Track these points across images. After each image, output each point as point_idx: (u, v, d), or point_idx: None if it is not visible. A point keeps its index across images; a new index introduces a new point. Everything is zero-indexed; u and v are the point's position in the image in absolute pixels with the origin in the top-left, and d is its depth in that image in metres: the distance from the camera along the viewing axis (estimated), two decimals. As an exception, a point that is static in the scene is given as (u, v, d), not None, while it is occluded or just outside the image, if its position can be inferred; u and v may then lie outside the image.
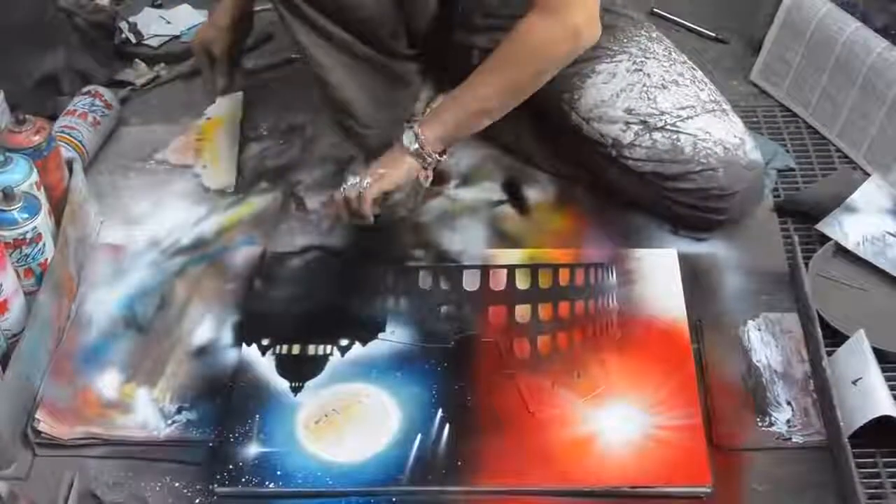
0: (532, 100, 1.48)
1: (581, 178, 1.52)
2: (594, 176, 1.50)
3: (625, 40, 1.44)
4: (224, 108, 1.67)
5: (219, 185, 1.56)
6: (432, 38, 1.44)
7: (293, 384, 1.27)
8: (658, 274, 1.38)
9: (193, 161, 1.60)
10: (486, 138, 1.60)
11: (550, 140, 1.54)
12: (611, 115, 1.42)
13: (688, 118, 1.39)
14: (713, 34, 1.80)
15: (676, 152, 1.38)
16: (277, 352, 1.31)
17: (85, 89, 1.65)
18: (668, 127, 1.39)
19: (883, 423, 1.17)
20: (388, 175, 1.35)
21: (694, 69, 1.46)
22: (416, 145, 1.33)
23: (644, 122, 1.40)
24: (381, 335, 1.33)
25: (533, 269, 1.39)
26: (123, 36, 1.81)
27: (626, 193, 1.46)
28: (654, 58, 1.44)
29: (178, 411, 1.26)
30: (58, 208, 1.39)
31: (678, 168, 1.38)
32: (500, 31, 1.36)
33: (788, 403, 1.25)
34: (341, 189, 1.38)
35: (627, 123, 1.41)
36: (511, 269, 1.39)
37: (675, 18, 1.81)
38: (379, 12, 1.37)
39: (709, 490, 1.17)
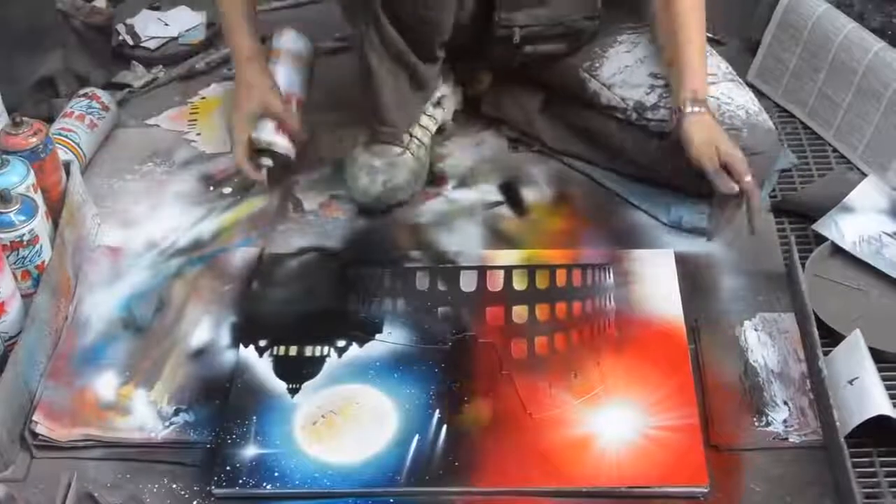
0: (546, 73, 1.50)
1: (591, 154, 1.54)
2: (606, 149, 1.51)
3: (646, 17, 1.49)
4: (218, 91, 1.72)
5: (215, 149, 1.61)
6: (468, 26, 1.45)
7: (290, 385, 1.28)
8: (655, 274, 1.38)
9: (187, 129, 1.65)
10: (496, 120, 1.60)
11: (560, 118, 1.56)
12: (634, 80, 1.46)
13: (711, 84, 1.42)
14: (710, 35, 1.79)
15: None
16: (275, 353, 1.31)
17: (82, 91, 1.65)
18: None
19: (879, 422, 1.18)
20: None
21: (710, 47, 1.49)
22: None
23: (668, 85, 1.43)
24: (378, 336, 1.33)
25: (530, 269, 1.40)
26: (121, 38, 1.81)
27: (641, 161, 1.47)
28: None
29: (176, 413, 1.26)
30: (55, 210, 1.39)
31: None
32: (538, 7, 1.42)
33: (785, 403, 1.25)
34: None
35: (652, 87, 1.45)
36: (508, 270, 1.39)
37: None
38: (447, 17, 1.40)
39: (706, 490, 1.17)
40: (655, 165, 1.46)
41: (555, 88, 1.55)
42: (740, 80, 1.48)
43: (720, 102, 1.41)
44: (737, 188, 1.30)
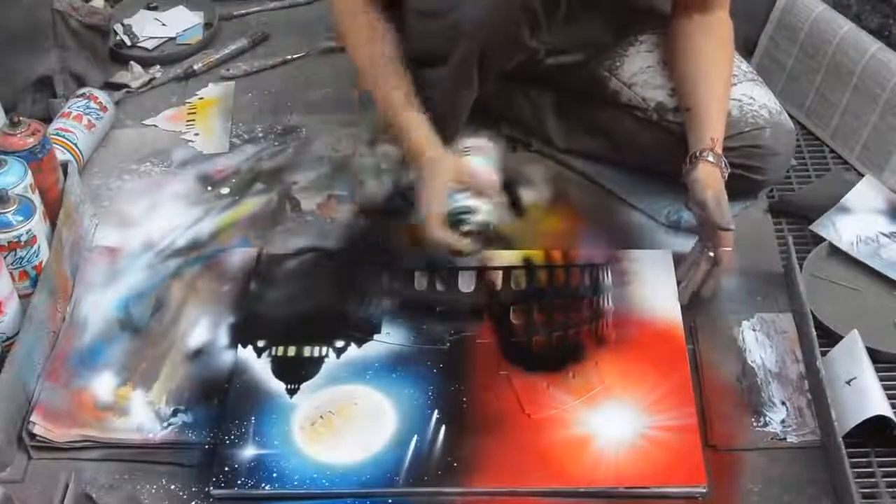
0: (563, 72, 1.49)
1: (603, 150, 1.54)
2: (619, 146, 1.51)
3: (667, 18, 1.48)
4: (216, 92, 1.72)
5: (212, 149, 1.61)
6: None
7: (289, 386, 1.27)
8: (653, 274, 1.38)
9: (185, 129, 1.65)
10: (504, 119, 1.60)
11: (573, 116, 1.56)
12: (656, 80, 1.46)
13: (732, 84, 1.41)
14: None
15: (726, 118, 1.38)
16: (273, 353, 1.31)
17: (80, 91, 1.65)
18: None
19: (877, 422, 1.18)
20: None
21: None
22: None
23: None
24: (376, 336, 1.33)
25: (528, 270, 1.40)
26: (118, 38, 1.81)
27: (657, 160, 1.47)
28: None
29: (174, 413, 1.26)
30: (53, 211, 1.39)
31: (725, 129, 1.37)
32: (570, 25, 1.40)
33: (783, 403, 1.25)
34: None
35: (674, 89, 1.43)
36: (506, 270, 1.40)
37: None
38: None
39: (704, 490, 1.17)
40: (671, 161, 1.45)
41: (570, 86, 1.55)
42: (760, 79, 1.48)
43: (742, 104, 1.41)
44: (733, 225, 1.31)
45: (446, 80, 1.37)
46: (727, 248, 1.32)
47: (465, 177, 1.34)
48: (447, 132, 1.38)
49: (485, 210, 1.34)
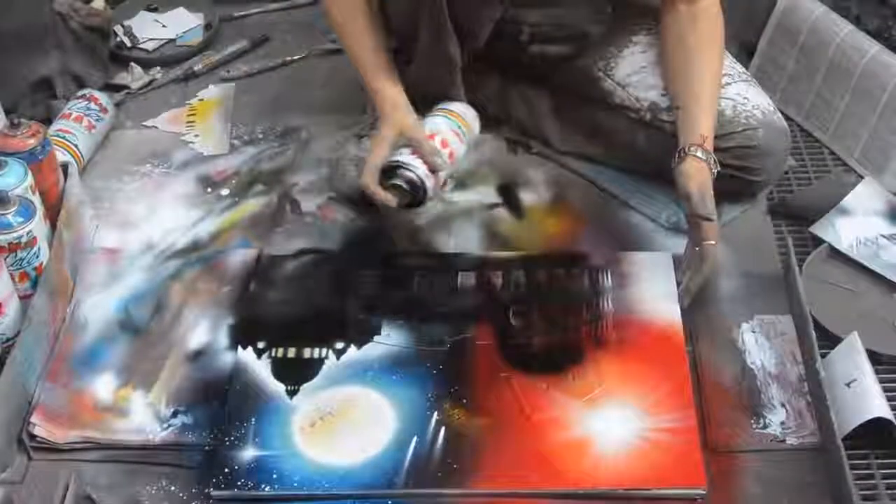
0: (559, 72, 1.50)
1: (599, 153, 1.54)
2: (615, 148, 1.52)
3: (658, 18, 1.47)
4: (216, 93, 1.73)
5: (212, 151, 1.62)
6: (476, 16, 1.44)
7: (289, 387, 1.28)
8: (653, 276, 1.39)
9: (185, 130, 1.66)
10: (502, 121, 1.60)
11: (569, 119, 1.56)
12: (650, 80, 1.46)
13: (726, 84, 1.42)
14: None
15: (716, 115, 1.39)
16: (273, 355, 1.31)
17: (80, 93, 1.65)
18: None
19: (877, 424, 1.18)
20: None
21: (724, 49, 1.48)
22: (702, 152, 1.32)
23: None
24: (376, 338, 1.33)
25: (528, 271, 1.40)
26: (118, 39, 1.81)
27: (652, 160, 1.46)
28: None
29: (174, 415, 1.26)
30: (53, 212, 1.39)
31: (718, 129, 1.37)
32: (552, 7, 1.41)
33: (783, 405, 1.25)
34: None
35: (667, 89, 1.43)
36: (506, 272, 1.40)
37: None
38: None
39: (703, 492, 1.17)
40: (667, 161, 1.46)
41: (566, 87, 1.55)
42: (754, 80, 1.48)
43: (735, 103, 1.41)
44: (714, 216, 1.30)
45: (422, 46, 1.39)
46: (711, 242, 1.31)
47: (411, 132, 1.37)
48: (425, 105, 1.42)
49: (418, 169, 1.36)
